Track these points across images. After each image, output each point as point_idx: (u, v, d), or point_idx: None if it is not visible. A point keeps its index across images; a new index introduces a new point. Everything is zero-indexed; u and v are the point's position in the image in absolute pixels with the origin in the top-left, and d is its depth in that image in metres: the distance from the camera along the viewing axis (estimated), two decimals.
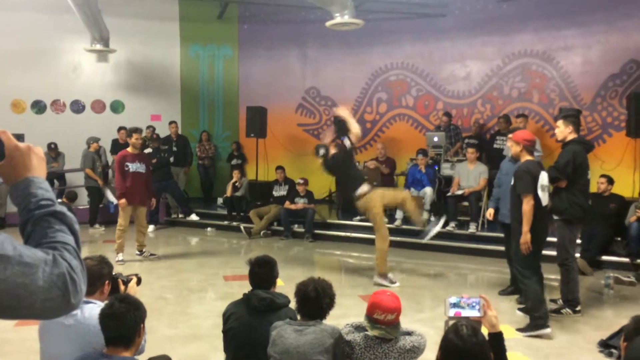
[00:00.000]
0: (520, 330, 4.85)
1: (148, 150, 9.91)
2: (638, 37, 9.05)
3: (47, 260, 1.10)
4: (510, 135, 5.23)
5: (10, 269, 1.04)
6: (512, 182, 4.95)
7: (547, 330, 4.77)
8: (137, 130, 7.73)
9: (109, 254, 7.15)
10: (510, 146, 5.08)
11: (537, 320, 4.79)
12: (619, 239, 7.31)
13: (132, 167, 7.51)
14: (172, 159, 10.37)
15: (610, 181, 7.45)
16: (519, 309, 5.43)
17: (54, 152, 10.29)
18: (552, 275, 6.07)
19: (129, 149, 7.65)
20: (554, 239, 5.38)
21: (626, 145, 8.50)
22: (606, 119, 9.30)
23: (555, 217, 5.30)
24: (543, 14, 9.83)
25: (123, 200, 7.39)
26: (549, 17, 9.78)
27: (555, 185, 5.24)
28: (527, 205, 4.71)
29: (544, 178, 4.79)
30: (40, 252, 1.11)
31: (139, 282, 3.13)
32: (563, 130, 5.26)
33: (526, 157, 4.90)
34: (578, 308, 5.31)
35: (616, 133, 9.09)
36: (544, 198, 4.79)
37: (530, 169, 4.78)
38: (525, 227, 4.70)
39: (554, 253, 5.49)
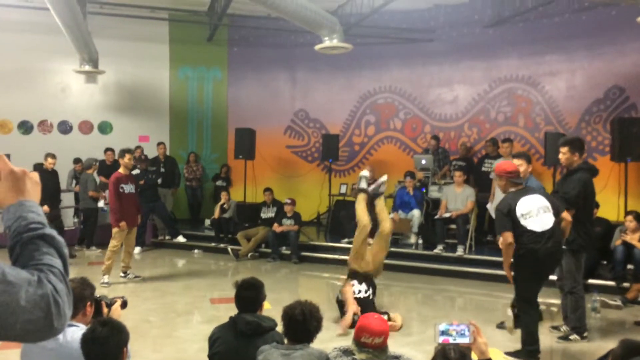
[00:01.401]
0: (509, 354, 4.80)
1: (136, 172, 9.86)
2: (621, 62, 9.24)
3: (31, 280, 1.09)
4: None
5: None
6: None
7: None
8: (129, 150, 7.74)
9: (92, 275, 7.07)
10: (494, 180, 4.99)
11: (529, 353, 4.70)
12: (604, 262, 7.35)
13: (126, 188, 7.49)
14: (159, 180, 10.32)
15: (596, 205, 7.51)
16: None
17: None
18: (553, 301, 6.06)
19: (122, 170, 7.61)
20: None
21: (611, 170, 8.61)
22: (591, 144, 9.42)
23: (563, 247, 5.22)
24: (528, 40, 10.02)
25: (123, 223, 7.34)
26: (534, 42, 9.96)
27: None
28: (502, 244, 4.68)
29: (522, 206, 4.60)
30: (25, 272, 1.10)
31: (124, 305, 3.09)
32: (569, 157, 5.18)
33: (510, 189, 4.77)
34: (586, 334, 5.28)
35: (601, 157, 9.20)
36: (534, 224, 4.57)
37: (501, 206, 4.71)
38: (505, 261, 4.76)
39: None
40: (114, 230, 7.40)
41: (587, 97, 9.56)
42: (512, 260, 4.72)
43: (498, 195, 8.37)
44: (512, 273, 4.78)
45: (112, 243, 7.37)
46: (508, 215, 4.60)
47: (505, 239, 4.58)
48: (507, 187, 4.80)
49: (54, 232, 1.22)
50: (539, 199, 4.66)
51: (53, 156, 9.14)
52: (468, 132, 10.76)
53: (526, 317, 4.72)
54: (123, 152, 7.71)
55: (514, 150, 8.81)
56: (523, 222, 4.56)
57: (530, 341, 4.68)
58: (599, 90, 9.43)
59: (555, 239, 4.64)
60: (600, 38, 9.36)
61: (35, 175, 1.30)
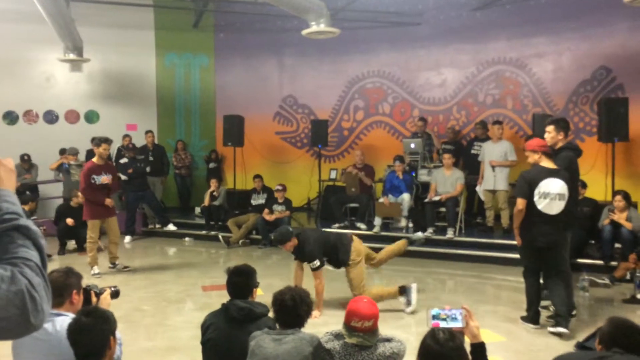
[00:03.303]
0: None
1: (124, 160, 9.79)
2: (608, 43, 9.26)
3: (3, 277, 1.05)
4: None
5: None
6: None
7: (531, 325, 5.23)
8: (107, 140, 7.56)
9: (85, 266, 7.04)
10: (529, 157, 5.13)
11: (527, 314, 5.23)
12: (592, 242, 7.44)
13: (98, 179, 7.29)
14: (148, 169, 10.24)
15: (584, 185, 7.58)
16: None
17: (27, 164, 10.11)
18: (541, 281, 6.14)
19: (95, 160, 7.41)
20: None
21: (598, 150, 8.67)
22: (578, 125, 9.48)
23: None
24: (515, 22, 10.01)
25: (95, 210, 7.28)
26: (521, 25, 9.96)
27: None
28: (515, 208, 5.03)
29: (547, 185, 4.89)
30: None
31: (116, 294, 3.07)
32: (555, 136, 5.27)
33: (544, 162, 5.01)
34: (574, 312, 5.36)
35: (588, 138, 9.26)
36: (544, 205, 4.89)
37: (525, 175, 5.01)
38: (515, 223, 5.11)
39: None
40: (89, 222, 7.30)
41: (574, 78, 9.59)
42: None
43: (487, 178, 8.50)
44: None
45: (88, 234, 7.29)
46: (528, 185, 4.90)
47: (518, 204, 4.94)
48: (540, 162, 5.02)
49: (29, 223, 1.17)
50: (562, 186, 4.91)
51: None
52: (457, 115, 10.77)
53: (527, 286, 5.22)
54: (100, 141, 7.44)
55: (504, 133, 8.84)
56: (537, 199, 4.89)
57: (527, 306, 5.23)
58: (586, 71, 9.46)
59: (560, 225, 4.96)
60: (587, 19, 9.37)
61: (10, 162, 1.25)
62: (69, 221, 8.67)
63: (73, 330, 2.29)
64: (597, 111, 8.71)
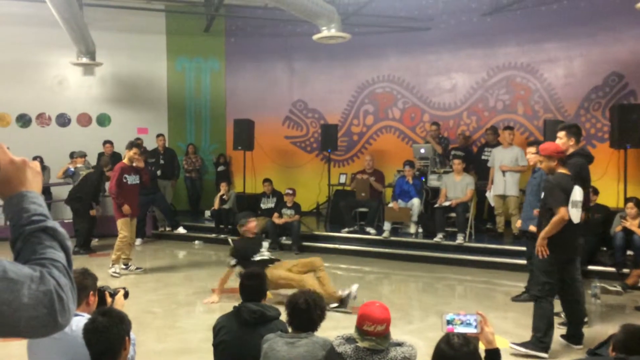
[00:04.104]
0: (516, 345, 4.73)
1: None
2: (620, 49, 9.22)
3: (33, 277, 1.06)
4: (536, 153, 5.16)
5: None
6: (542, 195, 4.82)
7: (544, 355, 4.66)
8: (138, 145, 7.81)
9: (94, 267, 7.08)
10: (541, 162, 4.86)
11: (540, 343, 4.65)
12: (604, 248, 7.39)
13: (130, 179, 7.50)
14: (159, 172, 10.30)
15: (595, 192, 7.54)
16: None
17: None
18: None
19: (125, 161, 7.64)
20: None
21: (610, 156, 8.63)
22: (590, 131, 9.44)
23: None
24: (526, 28, 10.00)
25: (127, 207, 7.39)
26: (533, 30, 9.94)
27: None
28: (560, 218, 4.56)
29: (576, 193, 4.63)
30: (26, 268, 1.08)
31: (126, 295, 3.10)
32: (566, 142, 5.21)
33: (561, 169, 4.72)
34: (585, 319, 5.31)
35: (600, 144, 9.22)
36: (576, 215, 4.62)
37: (561, 182, 4.63)
38: (544, 234, 4.62)
39: None
40: (120, 221, 7.41)
41: (586, 84, 9.56)
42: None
43: (497, 183, 8.47)
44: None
45: (121, 234, 7.39)
46: (565, 193, 4.59)
47: (564, 214, 4.53)
48: (557, 168, 4.72)
49: (56, 224, 1.19)
50: (581, 193, 4.72)
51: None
52: (467, 120, 10.75)
53: (547, 304, 4.69)
54: (131, 145, 7.72)
55: (515, 138, 8.80)
56: (570, 208, 4.61)
57: (545, 329, 4.66)
58: (598, 77, 9.43)
59: (581, 232, 4.85)
60: (598, 25, 9.34)
61: (37, 165, 1.27)
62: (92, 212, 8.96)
63: (89, 330, 2.31)
64: (609, 117, 8.67)
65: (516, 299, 6.30)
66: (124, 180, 7.46)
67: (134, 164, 7.69)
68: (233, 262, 6.12)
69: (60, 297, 1.09)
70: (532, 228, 5.90)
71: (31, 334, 1.08)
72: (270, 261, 6.21)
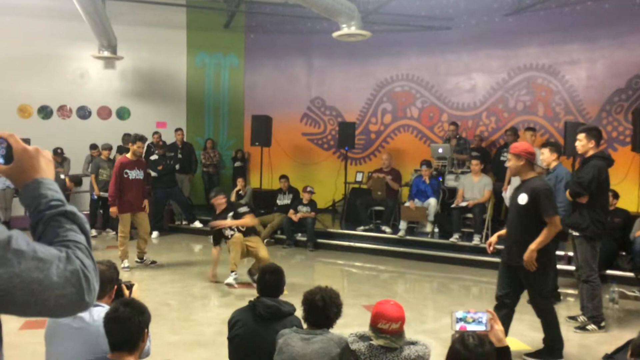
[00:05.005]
0: (530, 355, 4.63)
1: (154, 157, 9.93)
2: None
3: (60, 256, 1.10)
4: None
5: (25, 264, 1.05)
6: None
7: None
8: (142, 138, 7.71)
9: (113, 260, 7.17)
10: (510, 160, 4.47)
11: (554, 350, 4.54)
12: (623, 253, 7.29)
13: (132, 174, 7.46)
14: (177, 167, 10.37)
15: (616, 195, 7.44)
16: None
17: (59, 157, 10.33)
18: (568, 290, 6.13)
19: (128, 156, 7.56)
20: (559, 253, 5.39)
21: (631, 160, 8.51)
22: (611, 134, 9.31)
23: (576, 234, 5.27)
24: (548, 28, 9.88)
25: (114, 209, 7.37)
26: (554, 31, 9.83)
27: (575, 201, 5.21)
28: (554, 227, 4.26)
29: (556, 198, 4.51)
30: (53, 249, 1.11)
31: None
32: (585, 144, 5.18)
33: (529, 173, 4.39)
34: (603, 324, 5.28)
35: (621, 148, 9.09)
36: None
37: (550, 189, 4.36)
38: (536, 246, 4.23)
39: (566, 267, 5.50)
40: (120, 217, 7.42)
41: (609, 86, 9.42)
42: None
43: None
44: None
45: (120, 229, 7.43)
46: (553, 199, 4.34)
47: (557, 223, 4.27)
48: (525, 170, 4.38)
49: (74, 209, 1.23)
50: None
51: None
52: (486, 121, 10.67)
53: (554, 312, 4.54)
54: (135, 139, 7.60)
55: (537, 140, 8.71)
56: None
57: (558, 337, 4.52)
58: (621, 79, 9.29)
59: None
60: (622, 27, 9.20)
61: (48, 154, 1.30)
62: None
63: (110, 319, 2.34)
64: (631, 121, 8.53)
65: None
66: (125, 176, 7.38)
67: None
68: (211, 240, 6.89)
69: (87, 277, 1.12)
70: None
71: (60, 312, 1.12)
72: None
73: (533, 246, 4.24)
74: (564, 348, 4.69)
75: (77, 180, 9.41)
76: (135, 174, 7.49)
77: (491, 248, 4.78)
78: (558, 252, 6.60)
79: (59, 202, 1.22)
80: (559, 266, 6.46)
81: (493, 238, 4.76)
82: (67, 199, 1.32)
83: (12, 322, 4.90)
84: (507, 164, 4.72)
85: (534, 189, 4.28)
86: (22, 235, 1.09)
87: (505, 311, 4.51)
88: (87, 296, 1.12)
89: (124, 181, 7.39)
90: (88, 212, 9.90)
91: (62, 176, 9.35)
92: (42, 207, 1.21)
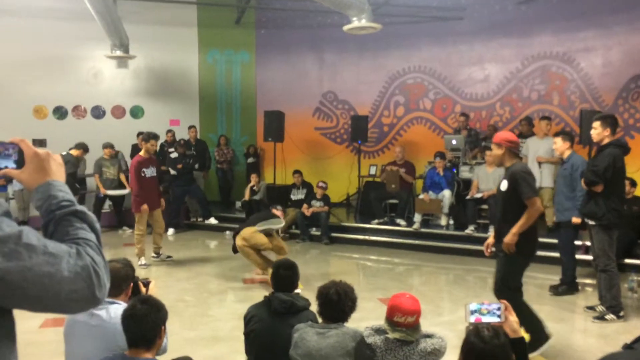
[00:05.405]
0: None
1: (174, 155, 9.99)
2: None
3: (70, 252, 1.13)
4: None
5: (36, 258, 1.07)
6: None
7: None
8: (155, 137, 7.77)
9: (128, 257, 7.24)
10: (492, 149, 4.45)
11: (539, 336, 4.36)
12: None
13: (148, 172, 7.53)
14: (197, 166, 10.43)
15: (633, 184, 7.34)
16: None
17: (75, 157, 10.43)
18: (587, 280, 6.08)
19: (142, 154, 7.61)
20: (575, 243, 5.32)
21: None
22: (628, 121, 9.17)
23: (592, 223, 5.22)
24: (562, 16, 9.75)
25: (145, 207, 7.43)
26: (568, 18, 9.69)
27: (590, 190, 5.16)
28: (536, 210, 4.17)
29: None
30: (64, 245, 1.14)
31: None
32: (600, 132, 5.13)
33: (511, 161, 4.31)
34: (622, 314, 5.23)
35: (638, 135, 8.96)
36: None
37: (528, 170, 4.27)
38: (518, 229, 4.16)
39: (584, 257, 5.45)
40: (137, 215, 7.46)
41: (625, 73, 9.28)
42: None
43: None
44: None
45: (137, 227, 7.48)
46: (534, 181, 4.24)
47: (539, 204, 4.18)
48: (504, 159, 4.33)
49: (84, 209, 1.26)
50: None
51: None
52: (500, 111, 10.57)
53: (524, 303, 4.32)
54: (148, 137, 7.63)
55: (552, 129, 8.61)
56: None
57: (539, 325, 4.32)
58: (637, 66, 9.15)
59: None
60: (637, 12, 9.05)
61: (58, 158, 1.34)
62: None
63: (128, 316, 2.37)
64: None
65: (554, 290, 6.18)
66: (142, 175, 7.43)
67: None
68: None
69: (97, 272, 1.15)
70: (576, 220, 5.81)
71: (71, 307, 1.14)
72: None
73: (515, 229, 4.18)
74: (580, 338, 4.66)
75: (84, 147, 9.50)
76: (151, 172, 7.56)
77: (488, 251, 4.64)
78: (576, 242, 6.55)
79: (69, 202, 1.26)
80: (577, 256, 6.40)
81: (490, 240, 4.62)
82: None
83: (33, 320, 4.98)
84: (490, 153, 4.67)
85: (512, 173, 4.23)
86: (32, 231, 1.11)
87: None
88: (98, 292, 1.14)
89: (142, 180, 7.46)
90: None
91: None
92: (53, 207, 1.24)
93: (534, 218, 4.19)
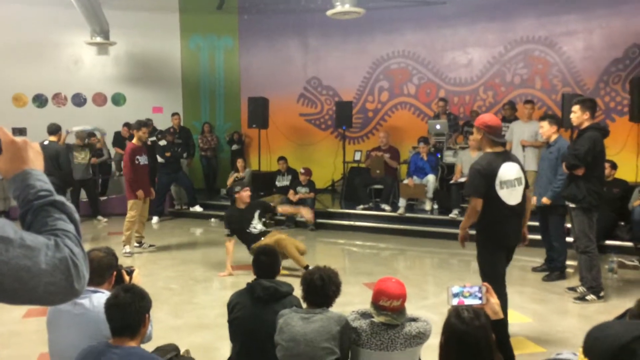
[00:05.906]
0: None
1: (163, 143, 9.91)
2: None
3: (48, 244, 1.10)
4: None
5: (12, 251, 1.05)
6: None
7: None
8: (146, 124, 7.78)
9: (114, 246, 7.20)
10: (474, 133, 4.29)
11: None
12: (622, 223, 7.31)
13: (142, 160, 7.52)
14: (185, 155, 10.36)
15: (614, 166, 7.44)
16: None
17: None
18: (568, 262, 6.18)
19: (135, 141, 7.57)
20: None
21: (629, 130, 8.49)
22: (609, 104, 9.27)
23: (572, 205, 5.28)
24: (545, 0, 9.78)
25: (140, 192, 7.41)
26: (551, 2, 9.72)
27: (571, 173, 5.22)
28: (471, 209, 4.09)
29: (504, 172, 3.99)
30: (41, 237, 1.12)
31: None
32: (580, 116, 5.18)
33: (488, 148, 4.10)
34: (602, 294, 5.33)
35: (619, 118, 9.06)
36: (507, 196, 4.01)
37: (481, 166, 4.02)
38: (464, 223, 4.23)
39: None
40: (131, 201, 7.43)
41: (606, 56, 9.36)
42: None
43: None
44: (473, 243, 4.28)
45: (130, 214, 7.43)
46: (485, 178, 3.98)
47: (476, 205, 4.02)
48: (482, 144, 4.17)
49: (63, 199, 1.23)
50: (518, 169, 4.12)
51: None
52: (483, 95, 10.62)
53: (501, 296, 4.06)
54: (140, 125, 7.62)
55: (535, 113, 8.66)
56: (499, 190, 3.99)
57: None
58: (618, 49, 9.22)
59: (522, 214, 4.20)
60: None
61: (37, 146, 1.30)
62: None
63: (111, 305, 2.36)
64: (629, 90, 8.49)
65: (547, 278, 6.22)
66: (137, 162, 7.43)
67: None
68: (227, 232, 6.49)
69: (75, 264, 1.12)
70: (545, 200, 5.89)
71: (49, 300, 1.12)
72: (265, 233, 6.48)
73: (461, 224, 4.31)
74: (563, 319, 4.74)
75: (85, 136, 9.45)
76: (144, 160, 7.58)
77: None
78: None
79: (48, 192, 1.22)
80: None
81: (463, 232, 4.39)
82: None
83: (16, 311, 4.94)
84: (472, 137, 4.66)
85: (470, 167, 4.18)
86: (9, 223, 1.08)
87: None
88: (77, 284, 1.12)
89: (135, 167, 7.43)
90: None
91: None
92: (30, 197, 1.21)
93: (470, 217, 4.13)
